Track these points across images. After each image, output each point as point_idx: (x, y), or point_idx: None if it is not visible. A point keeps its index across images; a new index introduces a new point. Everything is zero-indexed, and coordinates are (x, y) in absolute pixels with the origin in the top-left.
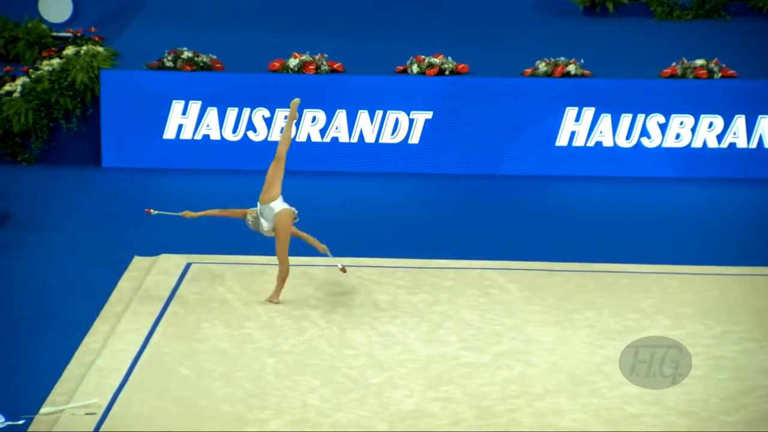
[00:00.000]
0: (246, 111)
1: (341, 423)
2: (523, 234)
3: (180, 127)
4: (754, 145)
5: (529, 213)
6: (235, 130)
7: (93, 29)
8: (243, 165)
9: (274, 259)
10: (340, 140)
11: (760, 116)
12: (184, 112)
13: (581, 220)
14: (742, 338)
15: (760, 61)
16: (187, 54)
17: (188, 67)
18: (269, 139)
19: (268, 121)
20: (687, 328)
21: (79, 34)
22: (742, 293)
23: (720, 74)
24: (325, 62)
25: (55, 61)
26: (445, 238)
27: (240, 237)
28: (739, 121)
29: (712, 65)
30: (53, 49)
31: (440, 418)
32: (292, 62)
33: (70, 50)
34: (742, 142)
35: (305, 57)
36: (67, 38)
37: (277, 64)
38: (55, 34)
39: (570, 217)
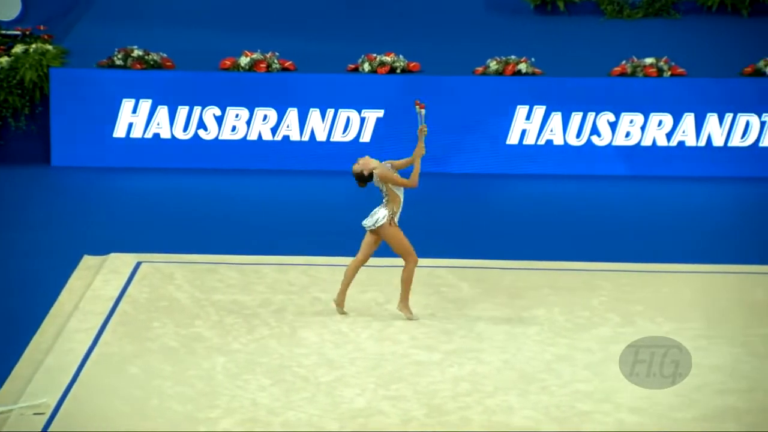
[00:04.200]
0: (197, 109)
1: (291, 422)
2: (474, 232)
3: (130, 125)
4: (702, 143)
5: (480, 211)
6: (185, 129)
7: (42, 27)
8: (194, 163)
9: (224, 258)
10: (292, 138)
11: (708, 114)
12: (134, 111)
13: (532, 218)
14: (693, 336)
15: (709, 59)
16: (137, 52)
17: (138, 66)
18: (220, 137)
19: (219, 120)
20: (638, 325)
21: (28, 32)
22: (694, 291)
23: (669, 73)
24: (276, 61)
25: (4, 60)
26: None
27: (190, 236)
28: (688, 119)
29: (661, 63)
30: (1, 47)
31: (391, 416)
32: (243, 61)
33: (18, 48)
34: (691, 140)
35: (256, 55)
36: (15, 36)
37: (228, 63)
38: (3, 32)
39: (520, 215)
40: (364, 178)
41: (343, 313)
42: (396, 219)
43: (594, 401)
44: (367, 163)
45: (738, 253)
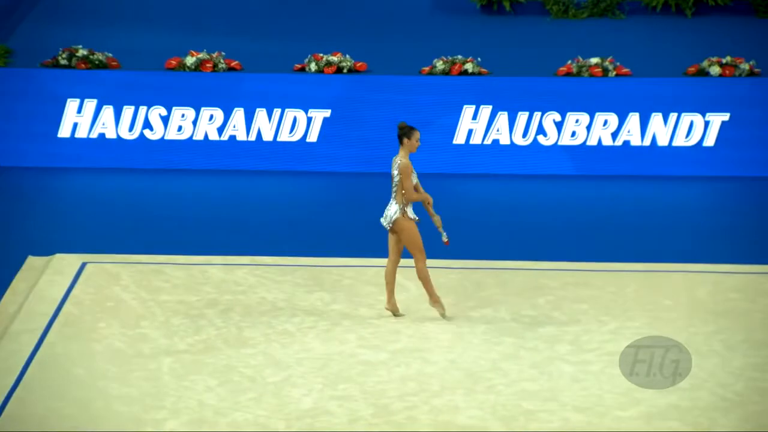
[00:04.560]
0: (142, 109)
1: (238, 422)
2: (420, 231)
3: (75, 125)
4: (647, 142)
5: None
6: (131, 129)
7: None
8: (139, 164)
9: (171, 258)
10: (238, 138)
11: (653, 114)
12: (79, 111)
13: (478, 218)
14: (637, 334)
15: (653, 59)
16: (82, 52)
17: (83, 66)
18: (166, 137)
19: (165, 120)
20: (583, 324)
21: None
22: (638, 289)
23: (615, 72)
24: (222, 60)
25: None
26: (344, 236)
27: (136, 236)
28: (633, 119)
29: (606, 63)
30: None
31: (338, 416)
32: (189, 60)
33: None
34: (636, 140)
35: (202, 55)
36: None
37: (173, 62)
38: None
39: (467, 214)
40: (402, 133)
41: (399, 315)
42: (409, 212)
43: (540, 400)
44: (411, 145)
45: (681, 251)
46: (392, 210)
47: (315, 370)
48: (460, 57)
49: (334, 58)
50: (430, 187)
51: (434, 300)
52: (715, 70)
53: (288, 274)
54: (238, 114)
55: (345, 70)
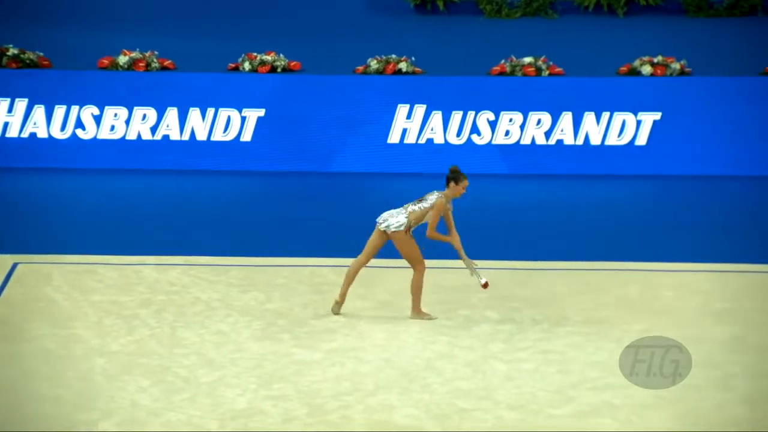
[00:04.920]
0: (74, 109)
1: (172, 422)
2: (354, 231)
3: (6, 125)
4: (580, 141)
5: (361, 210)
6: (63, 128)
7: None
8: (72, 163)
9: (104, 258)
10: (171, 138)
11: (586, 113)
12: (9, 110)
13: None
14: (570, 332)
15: (586, 58)
16: (12, 51)
17: (14, 65)
18: (98, 137)
19: (98, 119)
20: (516, 322)
21: None
22: (571, 288)
23: (548, 72)
24: (155, 59)
25: None
26: (279, 235)
27: (68, 236)
28: (566, 118)
29: (540, 63)
30: None
31: (272, 416)
32: (122, 60)
33: None
34: (569, 139)
35: (135, 54)
36: None
37: (106, 62)
38: None
39: None
40: (452, 176)
41: (338, 313)
42: (410, 231)
43: (474, 399)
44: (456, 190)
45: (614, 250)
46: (398, 220)
47: (249, 369)
48: (394, 56)
49: (268, 58)
50: (365, 186)
51: (417, 312)
52: (647, 69)
53: (222, 274)
54: (172, 113)
55: (279, 70)
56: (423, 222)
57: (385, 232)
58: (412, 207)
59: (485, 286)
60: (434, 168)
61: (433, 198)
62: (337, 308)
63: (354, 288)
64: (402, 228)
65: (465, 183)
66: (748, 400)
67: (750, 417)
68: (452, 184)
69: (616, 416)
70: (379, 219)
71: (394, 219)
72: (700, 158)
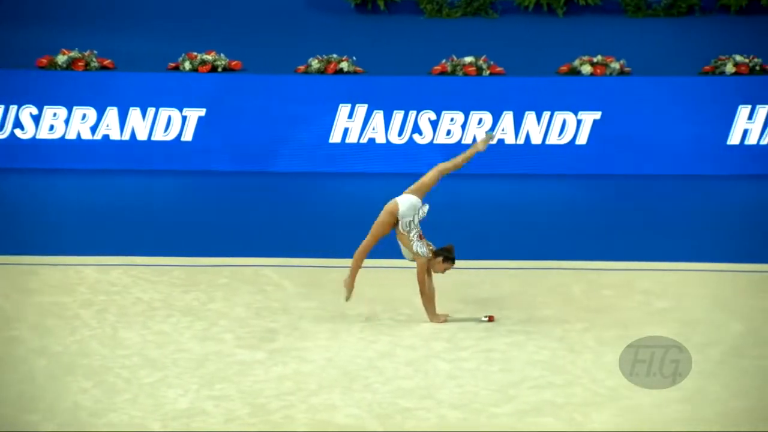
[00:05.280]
0: (12, 108)
1: (114, 423)
2: (297, 230)
3: None
4: (521, 141)
5: (304, 209)
6: (1, 128)
7: None
8: (10, 163)
9: (45, 259)
10: (112, 138)
11: (527, 112)
12: None
13: (355, 216)
14: (511, 331)
15: (526, 58)
16: None
17: None
18: (37, 137)
19: (36, 119)
20: (458, 322)
21: None
22: (513, 287)
23: (489, 71)
24: (95, 59)
25: None
26: (220, 235)
27: (9, 237)
28: (507, 118)
29: (480, 62)
30: None
31: (214, 416)
32: (61, 59)
33: None
34: (509, 138)
35: (74, 53)
36: None
37: (44, 61)
38: None
39: (345, 213)
40: (442, 252)
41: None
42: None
43: (416, 398)
44: (436, 265)
45: (556, 249)
46: (418, 248)
47: (191, 370)
48: (335, 56)
49: (209, 57)
50: (307, 186)
51: (350, 282)
52: (587, 69)
53: (164, 274)
54: (112, 113)
55: (220, 69)
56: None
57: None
58: (417, 239)
59: (491, 319)
60: (376, 168)
61: (422, 250)
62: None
63: (296, 287)
64: (421, 249)
65: (448, 267)
66: (689, 398)
67: (691, 415)
68: (436, 259)
69: (558, 415)
70: (403, 209)
71: (419, 247)
72: (639, 157)
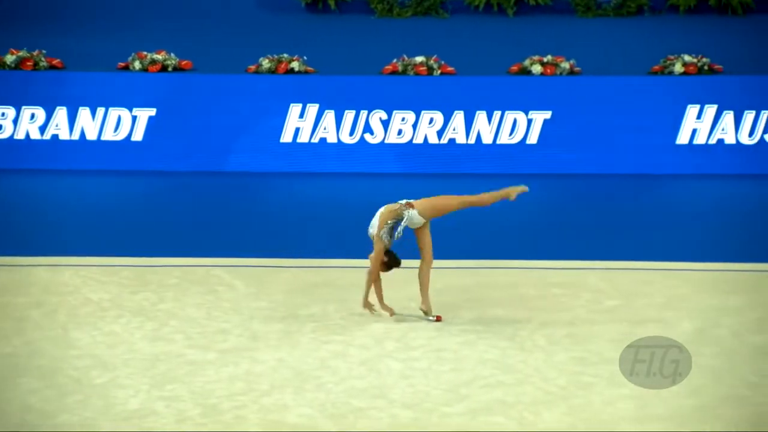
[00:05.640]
0: None
1: (64, 424)
2: (249, 230)
3: None
4: (472, 140)
5: (256, 209)
6: None
7: None
8: None
9: (0, 260)
10: (61, 137)
11: (477, 112)
12: None
13: (306, 216)
14: (463, 330)
15: (477, 58)
16: None
17: None
18: None
19: None
20: (410, 321)
21: None
22: (464, 286)
23: (440, 71)
24: (43, 59)
25: None
26: (171, 235)
27: None
28: (458, 117)
29: (431, 62)
30: None
31: (165, 416)
32: (9, 59)
33: None
34: (461, 138)
35: (22, 53)
36: None
37: None
38: None
39: (295, 212)
40: (389, 261)
41: (433, 317)
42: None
43: (368, 397)
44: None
45: (506, 248)
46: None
47: (142, 370)
48: (286, 55)
49: (159, 57)
50: (258, 186)
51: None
52: (537, 68)
53: (113, 274)
54: (61, 113)
55: (170, 69)
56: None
57: (418, 228)
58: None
59: (438, 318)
60: (327, 167)
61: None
62: (430, 313)
63: (248, 287)
64: (421, 219)
65: (385, 269)
66: (639, 396)
67: (641, 413)
68: (386, 259)
69: (508, 414)
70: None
71: (385, 235)
72: (589, 157)
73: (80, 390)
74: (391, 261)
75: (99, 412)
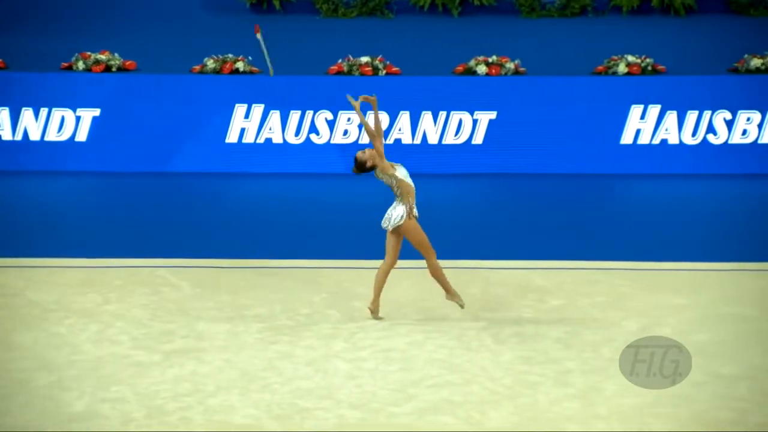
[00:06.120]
0: None
1: (8, 427)
2: (194, 231)
3: None
4: (418, 140)
5: (201, 210)
6: None
7: None
8: None
9: None
10: (4, 138)
11: (423, 112)
12: None
13: (252, 216)
14: (410, 330)
15: (422, 58)
16: None
17: None
18: None
19: None
20: (358, 321)
21: None
22: (410, 286)
23: (385, 71)
24: None
25: None
26: (116, 236)
27: None
28: (404, 117)
29: (377, 62)
30: None
31: (110, 418)
32: None
33: None
34: (406, 138)
35: None
36: None
37: None
38: None
39: (240, 213)
40: (365, 169)
41: (378, 318)
42: (414, 211)
43: (315, 398)
44: (373, 156)
45: (450, 249)
46: (398, 212)
47: (87, 372)
48: (230, 55)
49: (103, 57)
50: (203, 186)
51: (451, 293)
52: (482, 69)
53: (58, 275)
54: (4, 113)
55: (114, 69)
56: (413, 188)
57: (395, 230)
58: (396, 195)
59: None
60: (273, 167)
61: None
62: (375, 316)
63: (193, 288)
64: (405, 216)
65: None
66: (583, 395)
67: (585, 412)
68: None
69: (456, 413)
70: (383, 223)
71: (395, 213)
72: (534, 157)
73: (24, 392)
74: (361, 170)
75: (43, 415)
